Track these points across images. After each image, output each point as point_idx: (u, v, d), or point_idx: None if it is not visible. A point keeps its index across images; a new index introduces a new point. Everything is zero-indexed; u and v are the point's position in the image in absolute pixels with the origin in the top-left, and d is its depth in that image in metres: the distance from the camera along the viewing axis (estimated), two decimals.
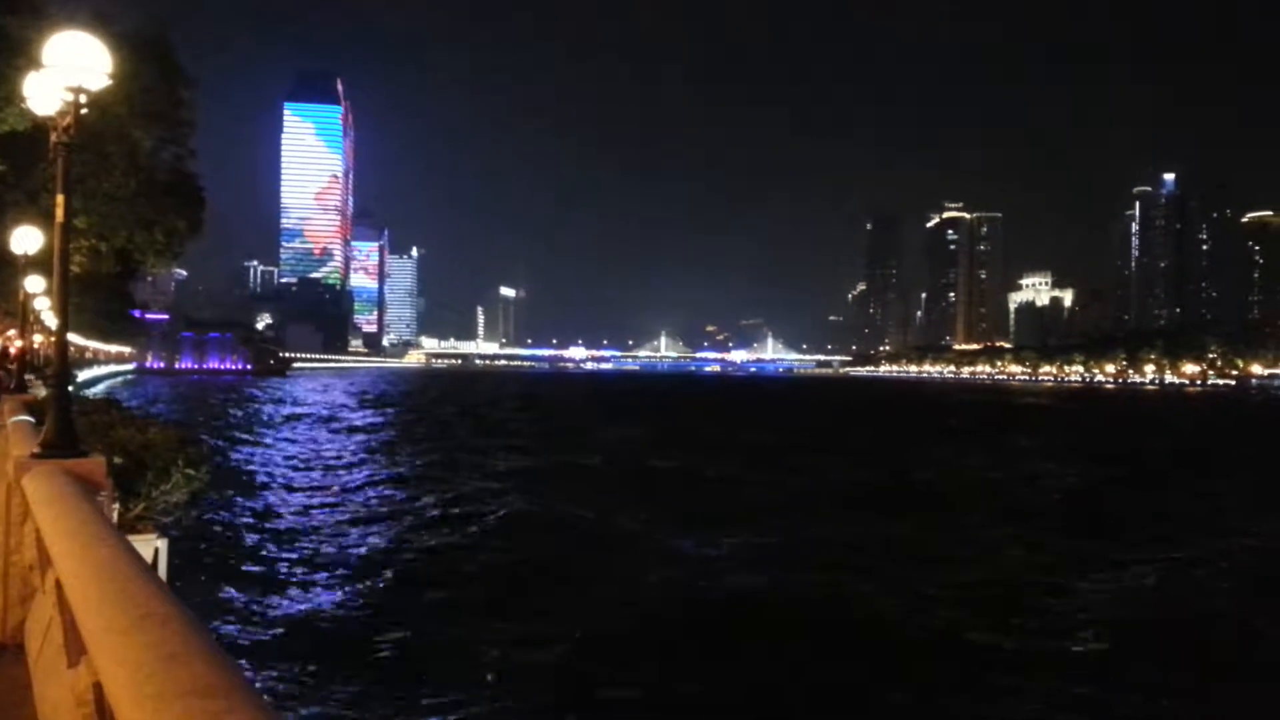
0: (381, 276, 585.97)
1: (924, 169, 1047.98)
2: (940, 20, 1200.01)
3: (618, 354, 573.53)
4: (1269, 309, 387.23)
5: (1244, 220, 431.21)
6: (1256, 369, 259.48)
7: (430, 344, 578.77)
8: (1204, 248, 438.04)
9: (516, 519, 27.53)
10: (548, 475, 38.47)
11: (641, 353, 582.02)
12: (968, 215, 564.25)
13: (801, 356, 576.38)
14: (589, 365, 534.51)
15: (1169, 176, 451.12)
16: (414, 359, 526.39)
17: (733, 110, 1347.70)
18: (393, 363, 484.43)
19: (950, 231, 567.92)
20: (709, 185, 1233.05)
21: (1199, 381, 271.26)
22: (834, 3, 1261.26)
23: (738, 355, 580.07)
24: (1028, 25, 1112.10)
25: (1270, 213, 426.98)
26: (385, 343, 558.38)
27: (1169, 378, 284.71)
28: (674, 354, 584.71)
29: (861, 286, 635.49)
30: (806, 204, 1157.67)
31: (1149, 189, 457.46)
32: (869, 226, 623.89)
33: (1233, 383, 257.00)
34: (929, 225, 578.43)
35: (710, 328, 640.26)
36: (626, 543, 24.68)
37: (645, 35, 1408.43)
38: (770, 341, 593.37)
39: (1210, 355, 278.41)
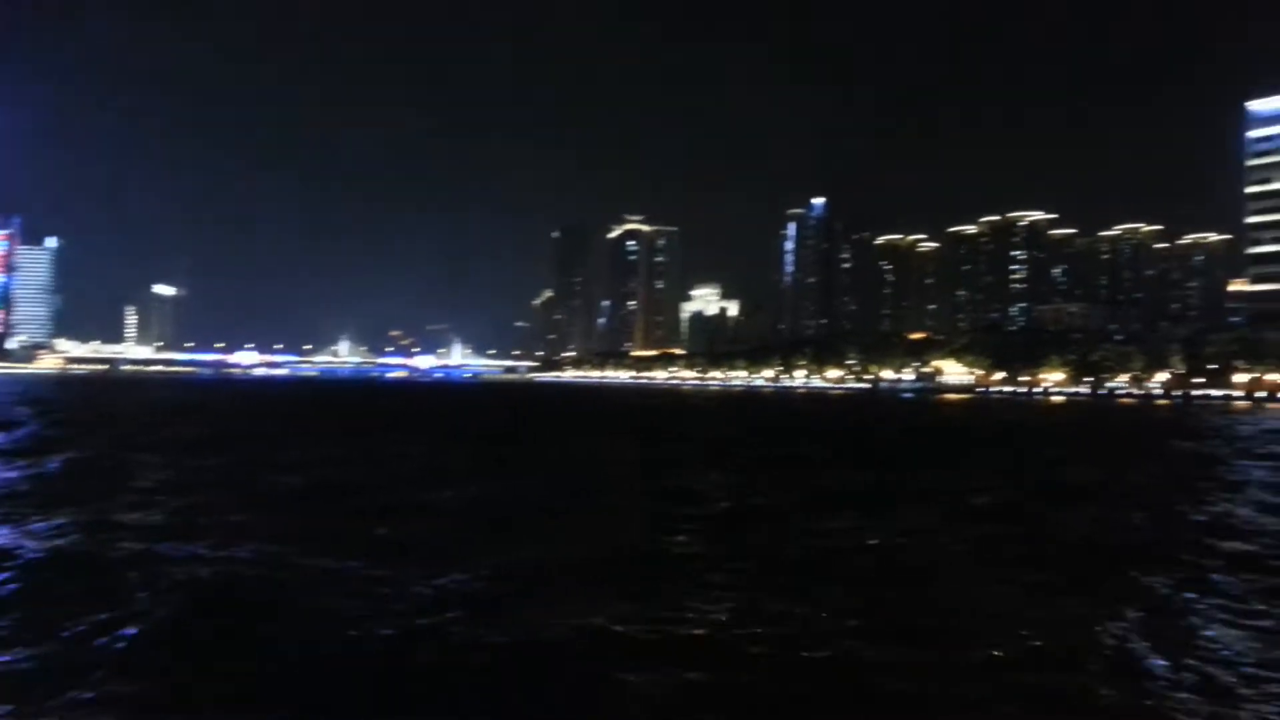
0: (9, 269, 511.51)
1: (610, 181, 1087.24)
2: (641, 42, 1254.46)
3: (294, 359, 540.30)
4: (897, 322, 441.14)
5: (878, 242, 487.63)
6: (886, 374, 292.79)
7: (70, 347, 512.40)
8: (846, 266, 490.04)
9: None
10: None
11: (320, 358, 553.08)
12: (647, 228, 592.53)
13: (489, 362, 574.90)
14: (260, 371, 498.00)
15: (819, 201, 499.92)
16: (47, 364, 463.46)
17: (424, 114, 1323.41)
18: (21, 368, 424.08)
19: (631, 243, 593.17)
20: (394, 189, 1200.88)
21: (840, 384, 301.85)
22: (530, 12, 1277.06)
23: (424, 361, 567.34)
24: (689, 57, 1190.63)
25: (899, 236, 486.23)
26: (14, 345, 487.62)
27: (816, 381, 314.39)
28: (356, 359, 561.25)
29: (549, 293, 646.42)
30: (497, 210, 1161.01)
31: (803, 211, 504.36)
32: (556, 235, 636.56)
33: (868, 385, 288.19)
34: (611, 236, 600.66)
35: (395, 332, 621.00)
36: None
37: (308, 36, 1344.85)
38: (457, 347, 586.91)
39: (850, 361, 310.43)
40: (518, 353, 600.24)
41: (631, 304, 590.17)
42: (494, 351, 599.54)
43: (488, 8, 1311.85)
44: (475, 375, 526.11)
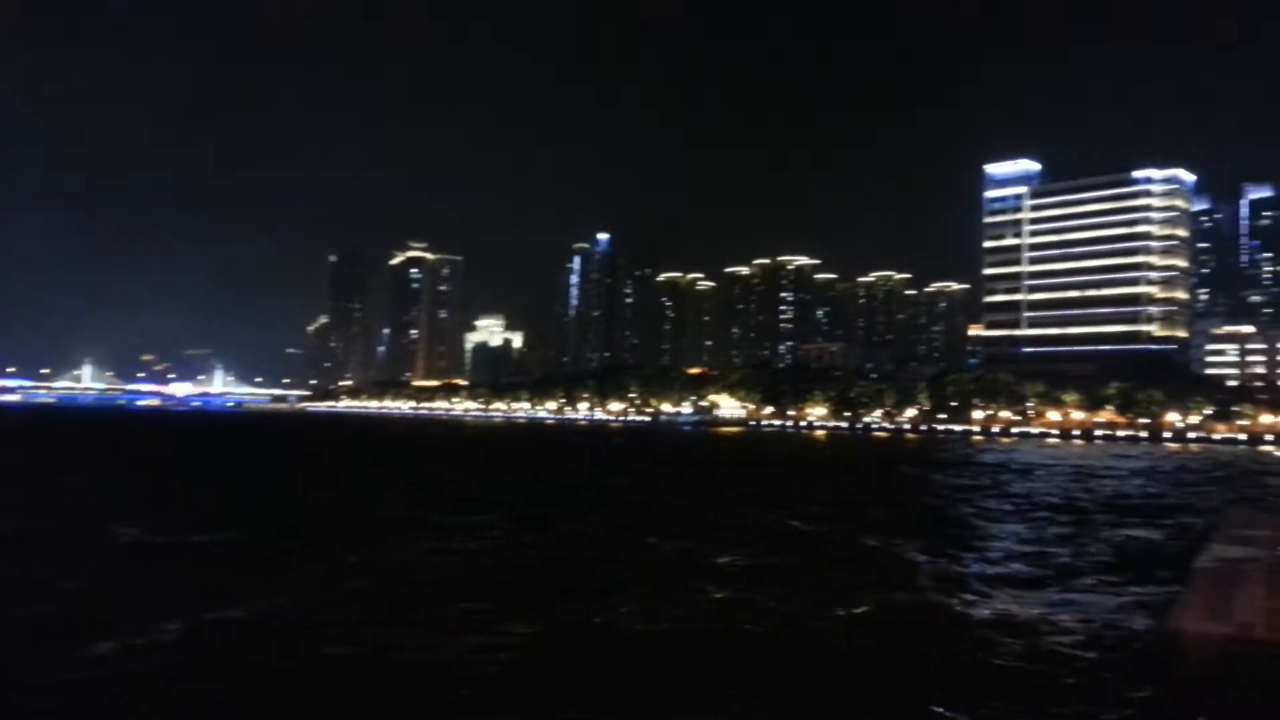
0: None
1: (392, 206, 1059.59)
2: (423, 64, 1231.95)
3: (28, 384, 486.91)
4: (676, 356, 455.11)
5: (659, 279, 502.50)
6: (666, 407, 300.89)
7: None
8: (629, 300, 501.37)
9: None
10: None
11: (60, 383, 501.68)
12: (431, 256, 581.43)
13: (255, 390, 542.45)
14: None
15: (604, 236, 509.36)
16: None
17: (192, 133, 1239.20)
18: None
19: (414, 270, 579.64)
20: (157, 204, 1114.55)
21: (621, 417, 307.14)
22: (318, 32, 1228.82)
23: (180, 388, 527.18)
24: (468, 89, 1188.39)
25: (679, 274, 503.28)
26: None
27: (599, 414, 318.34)
28: (101, 385, 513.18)
29: (323, 319, 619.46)
30: (266, 231, 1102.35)
31: (587, 246, 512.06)
32: (334, 259, 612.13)
33: (648, 418, 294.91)
34: (393, 263, 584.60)
35: (147, 357, 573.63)
36: None
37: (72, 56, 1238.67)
38: (219, 374, 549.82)
39: (631, 395, 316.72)
40: (288, 381, 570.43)
41: (413, 333, 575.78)
42: (261, 379, 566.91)
43: (278, 26, 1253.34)
44: (239, 404, 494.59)
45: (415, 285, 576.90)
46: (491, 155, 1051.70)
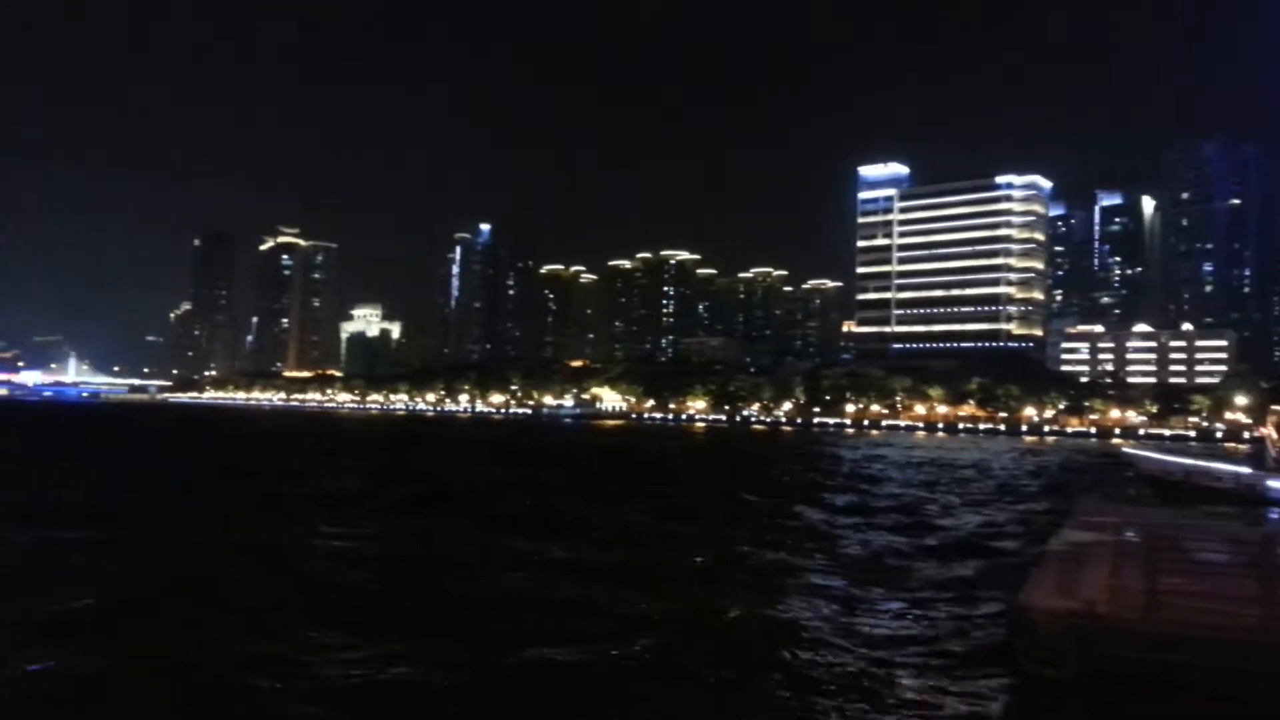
0: None
1: (263, 191, 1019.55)
2: (301, 52, 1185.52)
3: None
4: (559, 349, 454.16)
5: (542, 271, 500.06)
6: (548, 400, 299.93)
7: None
8: (511, 292, 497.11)
9: None
10: None
11: None
12: (303, 242, 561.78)
13: (113, 380, 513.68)
14: None
15: (485, 226, 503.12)
16: None
17: (50, 109, 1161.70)
18: None
19: (285, 256, 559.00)
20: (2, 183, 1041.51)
21: (503, 410, 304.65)
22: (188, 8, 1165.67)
23: (30, 377, 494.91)
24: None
25: (562, 266, 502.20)
26: None
27: (480, 406, 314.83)
28: None
29: (187, 306, 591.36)
30: (128, 213, 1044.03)
31: (469, 235, 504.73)
32: (198, 243, 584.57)
33: (529, 411, 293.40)
34: (263, 249, 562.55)
35: None
36: None
37: None
38: (73, 362, 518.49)
39: (513, 387, 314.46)
40: (149, 370, 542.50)
41: (284, 322, 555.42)
42: (119, 369, 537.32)
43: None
44: (95, 394, 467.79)
45: (287, 272, 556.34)
46: (369, 141, 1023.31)
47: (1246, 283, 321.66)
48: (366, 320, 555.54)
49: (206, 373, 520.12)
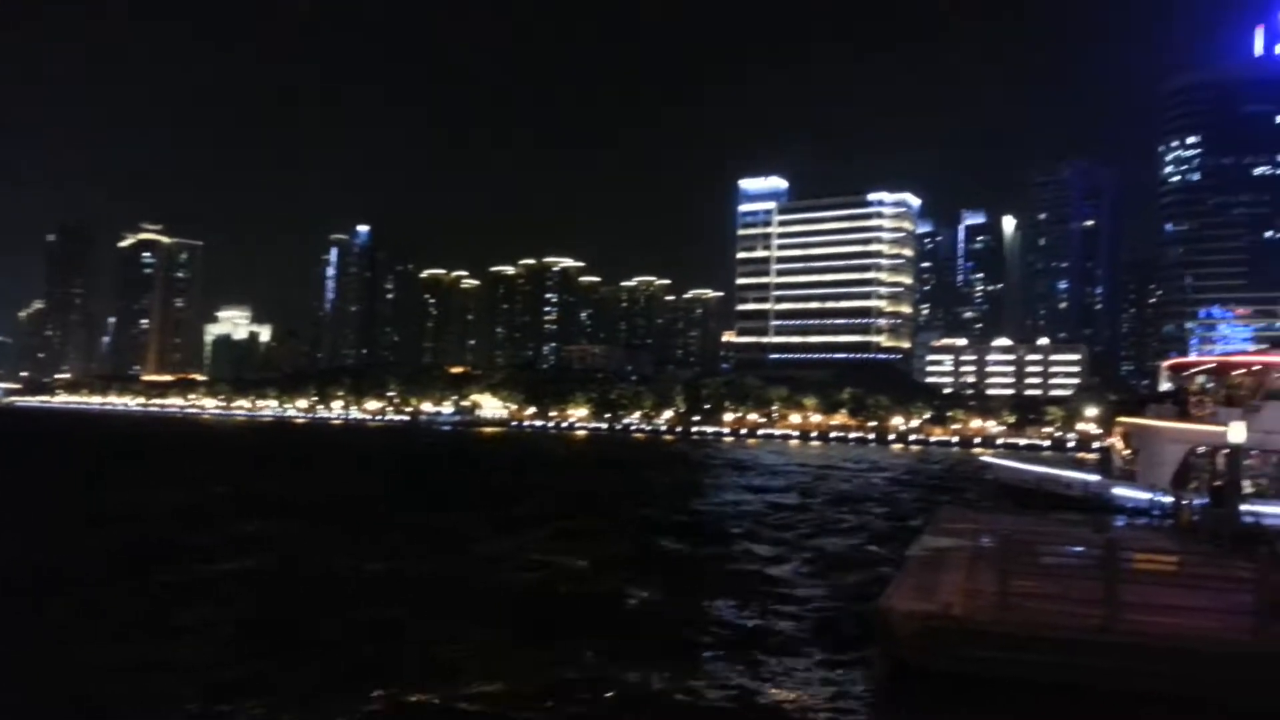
0: None
1: (126, 185, 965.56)
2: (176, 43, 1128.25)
3: None
4: (439, 355, 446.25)
5: (422, 275, 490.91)
6: (427, 406, 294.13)
7: None
8: (389, 296, 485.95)
9: None
10: None
11: None
12: (167, 239, 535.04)
13: None
14: None
15: (364, 228, 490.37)
16: None
17: None
18: None
19: (147, 254, 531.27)
20: None
21: (379, 416, 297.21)
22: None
23: None
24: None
25: (443, 271, 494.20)
26: None
27: (355, 413, 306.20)
28: None
29: (39, 305, 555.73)
30: None
31: (345, 237, 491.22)
32: (52, 237, 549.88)
33: (408, 418, 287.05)
34: (123, 245, 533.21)
35: None
36: None
37: None
38: None
39: (390, 394, 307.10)
40: None
41: (144, 323, 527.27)
42: None
43: None
44: None
45: (148, 271, 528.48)
46: (240, 137, 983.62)
47: (1098, 300, 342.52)
48: (233, 323, 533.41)
49: (59, 375, 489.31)
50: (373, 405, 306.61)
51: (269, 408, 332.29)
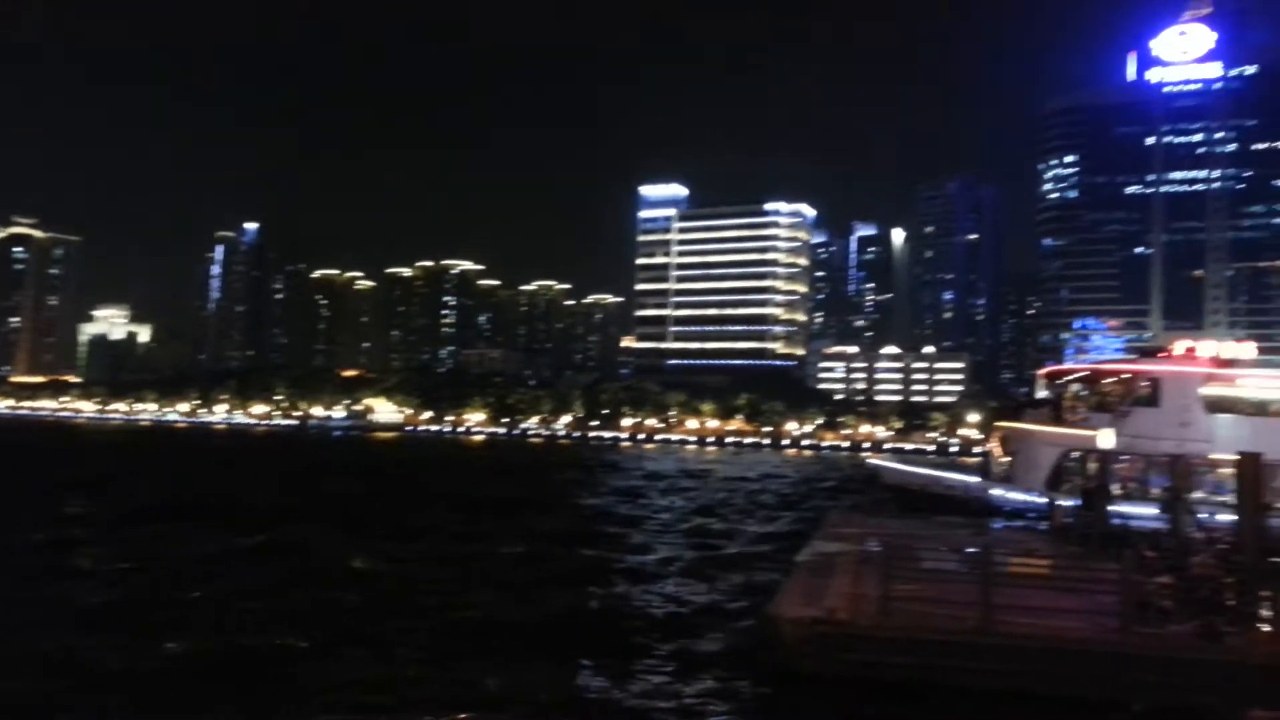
0: None
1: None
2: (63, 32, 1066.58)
3: None
4: (331, 358, 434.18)
5: (314, 276, 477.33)
6: (317, 410, 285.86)
7: None
8: (279, 297, 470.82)
9: None
10: None
11: None
12: (41, 233, 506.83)
13: None
14: None
15: (251, 226, 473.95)
16: None
17: None
18: None
19: (19, 249, 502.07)
20: None
21: (266, 420, 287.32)
22: None
23: None
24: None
25: (336, 271, 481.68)
26: None
27: (239, 417, 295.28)
28: None
29: None
30: None
31: (232, 234, 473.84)
32: None
33: (296, 422, 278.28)
34: None
35: None
36: None
37: None
38: None
39: (278, 397, 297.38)
40: None
41: (14, 321, 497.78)
42: None
43: None
44: None
45: (20, 267, 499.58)
46: (122, 126, 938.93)
47: (980, 311, 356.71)
48: (110, 322, 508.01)
49: None
50: (259, 409, 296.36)
51: (148, 411, 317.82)
